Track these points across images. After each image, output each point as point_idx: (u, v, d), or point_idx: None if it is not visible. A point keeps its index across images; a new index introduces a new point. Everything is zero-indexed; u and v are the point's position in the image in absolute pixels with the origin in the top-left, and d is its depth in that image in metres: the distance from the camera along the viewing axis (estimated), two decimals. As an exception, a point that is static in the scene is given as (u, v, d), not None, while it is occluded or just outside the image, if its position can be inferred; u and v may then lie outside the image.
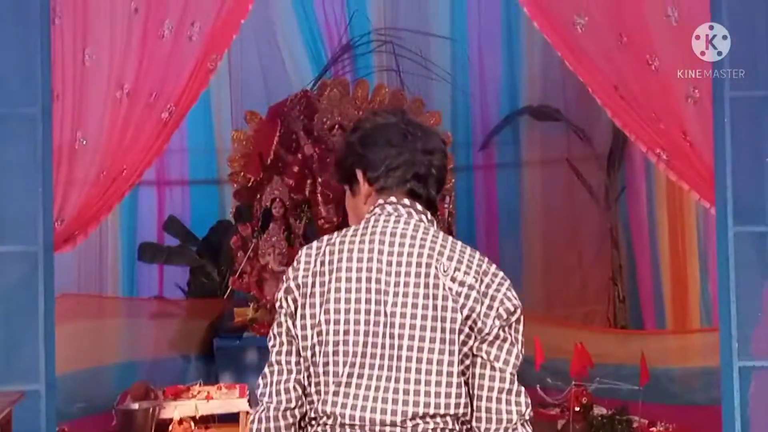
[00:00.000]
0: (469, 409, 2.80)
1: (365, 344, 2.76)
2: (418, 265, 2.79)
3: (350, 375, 2.75)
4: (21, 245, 5.90)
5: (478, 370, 2.79)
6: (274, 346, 2.89)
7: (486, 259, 2.88)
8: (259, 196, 9.76)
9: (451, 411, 2.75)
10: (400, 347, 2.74)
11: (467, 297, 2.77)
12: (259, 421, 2.85)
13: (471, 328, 2.77)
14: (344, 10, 10.84)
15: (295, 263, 2.89)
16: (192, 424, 7.94)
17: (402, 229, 2.86)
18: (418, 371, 2.73)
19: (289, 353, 2.84)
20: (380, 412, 2.72)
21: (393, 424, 2.72)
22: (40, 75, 5.92)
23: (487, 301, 2.79)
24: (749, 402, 5.96)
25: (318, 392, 2.79)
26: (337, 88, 10.16)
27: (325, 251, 2.84)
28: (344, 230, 2.92)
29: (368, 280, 2.78)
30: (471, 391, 2.80)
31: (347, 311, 2.77)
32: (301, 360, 2.82)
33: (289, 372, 2.83)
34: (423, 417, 2.73)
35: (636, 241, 10.10)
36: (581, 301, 10.30)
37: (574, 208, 10.73)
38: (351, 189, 3.07)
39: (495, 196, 10.69)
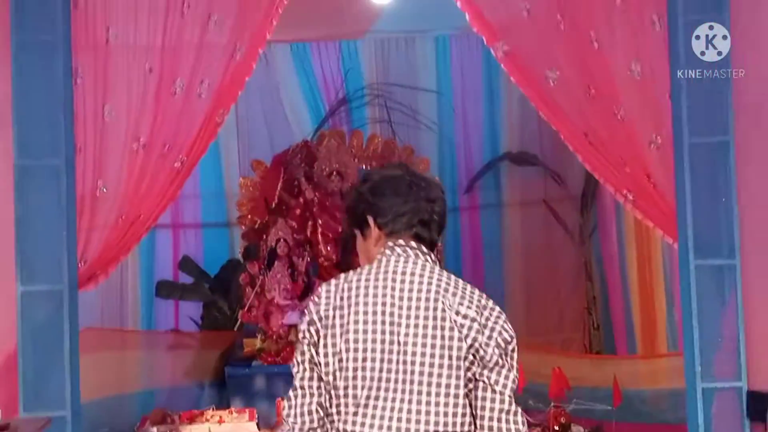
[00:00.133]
0: (473, 428, 2.89)
1: (381, 370, 2.85)
2: (427, 300, 2.90)
3: (368, 397, 2.84)
4: (48, 284, 5.91)
5: (480, 393, 2.88)
6: (298, 372, 2.97)
7: (484, 295, 2.99)
8: (265, 236, 9.71)
9: (458, 429, 2.85)
10: (412, 372, 2.84)
11: (470, 328, 2.87)
12: None
13: (474, 356, 2.87)
14: (340, 68, 10.80)
15: (316, 298, 2.99)
16: (205, 446, 7.94)
17: (411, 268, 2.97)
18: (429, 394, 2.83)
19: (311, 378, 2.93)
20: (395, 430, 2.82)
21: None
22: (64, 129, 5.96)
23: (487, 332, 2.89)
24: (713, 420, 5.97)
25: (339, 413, 2.88)
26: (334, 138, 10.15)
27: (343, 287, 2.94)
28: (359, 269, 3.01)
29: (383, 313, 2.88)
30: (474, 412, 2.89)
31: (365, 341, 2.87)
32: (323, 384, 2.92)
33: (311, 395, 2.92)
34: None
35: (608, 274, 10.04)
36: (559, 329, 10.25)
37: (552, 245, 10.68)
38: (362, 233, 3.17)
39: (479, 234, 10.65)
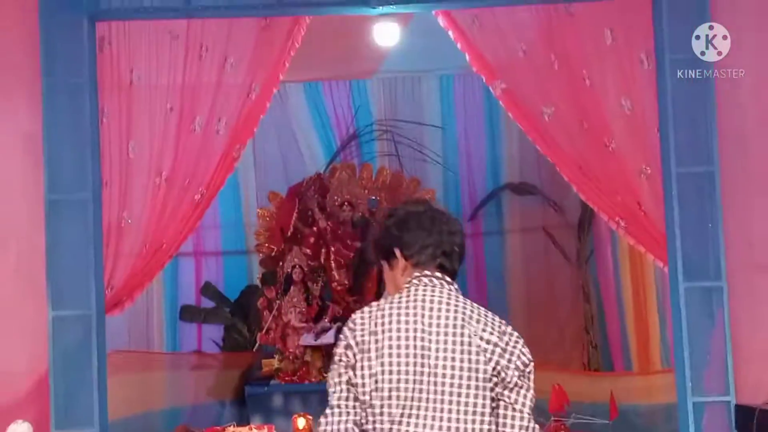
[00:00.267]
0: None
1: (413, 390, 2.91)
2: (454, 327, 2.96)
3: (402, 415, 2.90)
4: (77, 310, 5.92)
5: (501, 411, 2.96)
6: (335, 392, 3.01)
7: (503, 321, 3.05)
8: (281, 263, 9.73)
9: None
10: (442, 392, 2.91)
11: (493, 353, 2.95)
12: None
13: (496, 377, 2.94)
14: (350, 105, 10.86)
15: (351, 324, 3.04)
16: (227, 460, 7.91)
17: (438, 297, 3.03)
18: (458, 412, 2.90)
19: (347, 398, 2.97)
20: None
21: None
22: (91, 165, 5.99)
23: (507, 356, 2.96)
24: (703, 432, 5.95)
25: (374, 428, 2.93)
26: (345, 171, 10.18)
27: (377, 315, 3.00)
28: (390, 298, 3.07)
29: (414, 338, 2.94)
30: (498, 429, 2.96)
31: (398, 363, 2.93)
32: (358, 404, 2.95)
33: (348, 414, 2.96)
34: None
35: (604, 296, 10.00)
36: (559, 348, 10.19)
37: (551, 269, 10.66)
38: (389, 263, 3.21)
39: (483, 260, 10.64)
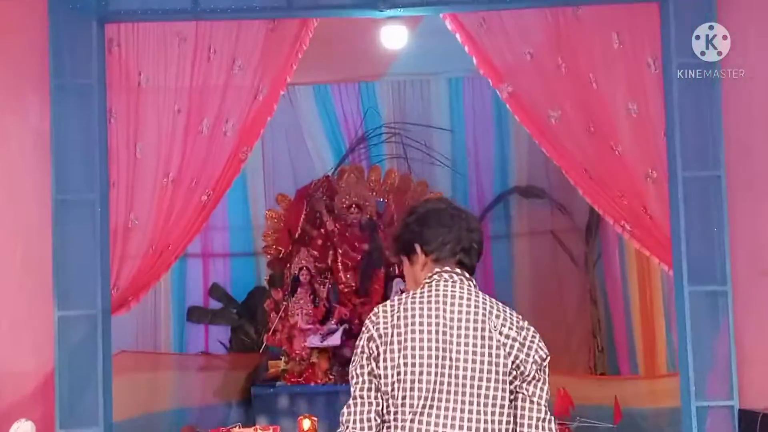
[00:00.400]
0: None
1: (435, 382, 2.95)
2: (475, 321, 3.00)
3: (423, 406, 2.94)
4: (83, 310, 5.96)
5: (520, 404, 3.01)
6: (357, 383, 3.03)
7: (520, 316, 3.09)
8: (288, 265, 9.76)
9: None
10: (463, 385, 2.95)
11: (512, 347, 2.99)
12: None
13: (515, 371, 2.99)
14: (359, 108, 10.85)
15: (374, 317, 3.06)
16: (233, 460, 7.93)
17: (459, 292, 3.06)
18: (478, 404, 2.95)
19: (370, 389, 3.00)
20: None
21: None
22: (98, 166, 6.04)
23: (525, 350, 3.00)
24: (707, 436, 5.96)
25: (396, 419, 2.97)
26: (354, 173, 10.19)
27: (399, 308, 3.03)
28: (412, 293, 3.11)
29: (436, 332, 2.98)
30: (516, 420, 3.02)
31: (421, 356, 2.96)
32: (380, 395, 2.99)
33: (370, 404, 2.99)
34: None
35: (611, 300, 9.99)
36: (566, 352, 10.16)
37: (558, 273, 10.65)
38: (409, 259, 3.25)
39: (490, 263, 10.60)
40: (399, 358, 2.97)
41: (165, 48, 6.36)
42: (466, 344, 2.99)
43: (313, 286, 9.58)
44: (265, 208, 10.42)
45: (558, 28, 6.49)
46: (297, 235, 9.94)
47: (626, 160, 6.31)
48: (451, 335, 2.99)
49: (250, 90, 6.49)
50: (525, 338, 3.02)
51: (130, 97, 6.27)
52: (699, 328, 5.99)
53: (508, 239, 10.90)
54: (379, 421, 3.00)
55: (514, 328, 3.03)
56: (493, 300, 3.12)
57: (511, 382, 3.00)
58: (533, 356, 3.01)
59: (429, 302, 3.05)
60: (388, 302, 3.13)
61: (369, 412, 3.00)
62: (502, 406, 2.98)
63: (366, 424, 2.99)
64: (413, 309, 3.03)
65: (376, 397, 3.00)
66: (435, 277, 3.13)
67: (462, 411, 2.95)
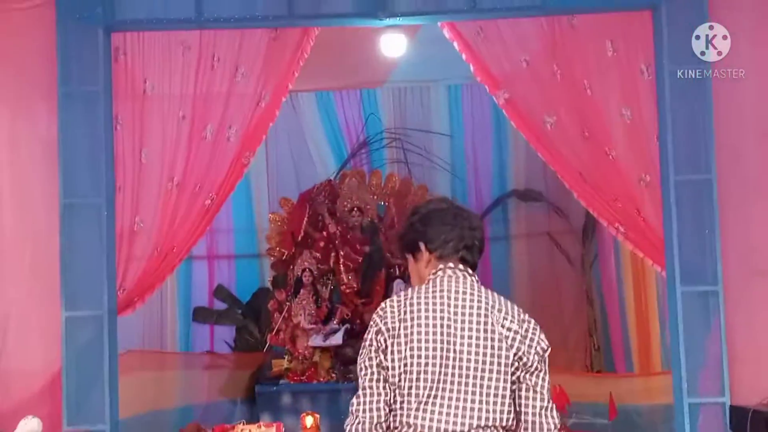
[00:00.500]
0: (514, 423, 3.10)
1: (440, 373, 3.03)
2: (478, 315, 3.08)
3: (428, 396, 3.03)
4: (90, 310, 5.97)
5: (524, 393, 3.11)
6: (366, 374, 3.11)
7: (522, 310, 3.18)
8: (291, 267, 9.77)
9: (503, 423, 3.07)
10: (467, 376, 3.04)
11: (514, 339, 3.07)
12: (357, 431, 3.08)
13: (517, 362, 3.08)
14: (361, 114, 10.87)
15: (381, 312, 3.15)
16: (237, 456, 7.93)
17: (462, 287, 3.14)
18: (480, 394, 3.04)
19: (378, 380, 3.08)
20: (451, 424, 3.01)
21: None
22: (105, 171, 6.05)
23: (527, 342, 3.09)
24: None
25: (402, 408, 3.05)
26: (355, 177, 10.20)
27: (405, 303, 3.12)
28: (417, 288, 3.19)
29: (441, 325, 3.06)
30: (518, 409, 3.11)
31: (426, 348, 3.04)
32: (388, 385, 3.07)
33: (379, 394, 3.07)
34: (482, 427, 3.03)
35: (607, 300, 9.99)
36: (563, 350, 10.13)
37: (555, 274, 10.65)
38: (414, 257, 3.33)
39: (489, 264, 10.56)
40: (405, 350, 3.05)
41: (170, 56, 6.37)
42: (470, 337, 3.06)
43: (316, 287, 9.59)
44: (269, 212, 10.46)
45: (553, 36, 6.50)
46: (300, 238, 9.95)
47: (620, 165, 6.31)
48: (455, 328, 3.06)
49: (253, 97, 6.50)
50: (527, 331, 3.10)
51: (136, 104, 6.28)
52: (691, 328, 5.98)
53: (507, 241, 10.91)
54: (387, 410, 3.08)
55: (516, 321, 3.11)
56: (495, 294, 3.19)
57: (513, 373, 3.08)
58: (535, 348, 3.09)
59: (434, 297, 3.12)
60: (395, 297, 3.20)
61: (378, 402, 3.07)
62: (503, 396, 3.05)
63: (375, 414, 3.07)
64: (419, 304, 3.10)
65: (384, 388, 3.07)
66: (439, 273, 3.20)
67: (465, 401, 3.03)
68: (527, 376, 3.10)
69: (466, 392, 3.04)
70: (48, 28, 6.07)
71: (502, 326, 3.08)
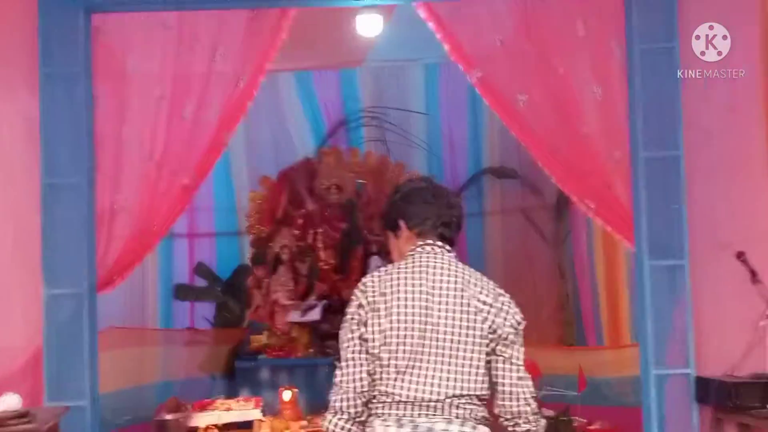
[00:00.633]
0: (488, 393, 3.20)
1: (418, 345, 3.14)
2: (455, 289, 3.18)
3: (407, 366, 3.13)
4: (70, 288, 5.95)
5: (500, 365, 3.21)
6: (348, 346, 3.21)
7: (496, 285, 3.29)
8: (270, 244, 9.78)
9: (477, 392, 3.17)
10: (443, 347, 3.14)
11: (489, 313, 3.18)
12: (341, 400, 3.19)
13: (492, 334, 3.18)
14: (339, 93, 10.91)
15: (362, 286, 3.25)
16: (216, 430, 7.95)
17: (440, 263, 3.25)
18: (456, 364, 3.14)
19: (361, 352, 3.18)
20: (428, 393, 3.12)
21: (437, 400, 3.13)
22: (85, 151, 6.03)
23: (502, 315, 3.19)
24: (665, 402, 6.00)
25: (381, 378, 3.15)
26: (333, 155, 10.24)
27: (385, 278, 3.23)
28: (397, 264, 3.30)
29: (419, 299, 3.17)
30: (495, 380, 3.21)
31: (405, 321, 3.15)
32: (369, 356, 3.16)
33: (361, 365, 3.17)
34: (458, 396, 3.14)
35: (579, 275, 10.03)
36: (536, 324, 10.05)
37: (529, 249, 10.68)
38: (394, 234, 3.44)
39: (464, 240, 10.57)
40: (385, 323, 3.15)
41: (149, 37, 6.33)
42: (447, 310, 3.16)
43: (294, 264, 9.61)
44: (249, 190, 10.45)
45: (526, 16, 6.48)
46: (279, 216, 9.97)
47: (590, 142, 6.32)
48: (433, 302, 3.17)
49: (232, 77, 6.46)
50: (502, 304, 3.21)
51: (116, 84, 6.24)
52: (658, 301, 6.02)
53: (482, 217, 10.94)
54: (370, 379, 3.17)
55: (491, 295, 3.21)
56: (471, 270, 3.29)
57: (488, 345, 3.17)
58: (510, 321, 3.20)
59: (413, 272, 3.22)
60: (375, 273, 3.30)
61: (360, 372, 3.17)
62: (478, 367, 3.15)
63: (359, 383, 3.16)
64: (398, 279, 3.21)
65: (366, 359, 3.17)
66: (418, 249, 3.30)
67: (441, 371, 3.12)
68: (503, 348, 3.19)
69: (442, 363, 3.13)
70: (29, 10, 6.02)
71: (478, 300, 3.18)
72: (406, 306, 3.16)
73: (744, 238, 6.07)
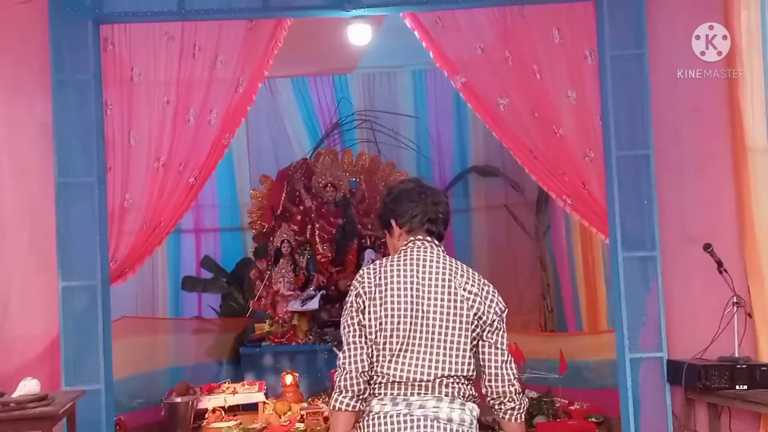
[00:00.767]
0: (474, 374, 3.29)
1: (409, 330, 3.23)
2: (443, 280, 3.28)
3: (400, 350, 3.23)
4: (84, 280, 5.95)
5: (486, 349, 3.31)
6: (349, 332, 3.29)
7: (481, 276, 3.37)
8: (271, 238, 9.76)
9: (464, 373, 3.26)
10: (432, 333, 3.24)
11: (474, 301, 3.27)
12: (344, 380, 3.26)
13: (477, 321, 3.27)
14: (333, 97, 10.88)
15: (359, 278, 3.34)
16: (222, 412, 7.95)
17: (429, 256, 3.34)
18: (444, 348, 3.24)
19: (360, 336, 3.27)
20: (419, 374, 3.22)
21: (427, 381, 3.23)
22: (96, 152, 6.02)
23: (487, 303, 3.28)
24: (639, 384, 6.00)
25: (377, 361, 3.26)
26: (329, 156, 10.21)
27: (380, 270, 3.32)
28: (391, 257, 3.38)
29: (411, 289, 3.26)
30: (482, 363, 3.32)
31: (398, 309, 3.24)
32: (367, 341, 3.25)
33: (362, 348, 3.26)
34: (447, 377, 3.24)
35: (559, 266, 10.02)
36: (519, 312, 10.18)
37: (512, 242, 10.69)
38: (389, 232, 3.53)
39: (451, 234, 10.60)
40: (380, 311, 3.24)
41: (154, 46, 6.33)
42: (435, 299, 3.25)
43: (294, 256, 9.59)
44: (250, 188, 10.46)
45: (505, 25, 6.50)
46: (279, 212, 9.97)
47: (567, 142, 6.33)
48: (423, 292, 3.26)
49: (232, 83, 6.48)
50: (487, 293, 3.30)
51: (124, 90, 6.25)
52: (632, 290, 6.03)
53: (467, 213, 10.95)
54: (369, 361, 3.26)
55: (477, 285, 3.30)
56: (459, 262, 3.37)
57: (474, 331, 3.26)
58: (494, 308, 3.29)
59: (405, 265, 3.31)
60: (371, 265, 3.39)
61: (360, 354, 3.25)
62: (464, 350, 3.24)
63: (360, 365, 3.25)
64: (391, 271, 3.30)
65: (364, 342, 3.26)
66: (409, 245, 3.39)
67: (431, 354, 3.22)
68: (488, 334, 3.29)
69: (432, 346, 3.22)
70: (41, 21, 6.03)
71: (464, 289, 3.26)
72: (398, 295, 3.24)
73: (711, 230, 6.09)
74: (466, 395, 3.29)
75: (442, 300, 3.25)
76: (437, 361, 3.23)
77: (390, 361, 3.23)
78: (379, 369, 3.25)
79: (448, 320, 3.24)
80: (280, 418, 7.87)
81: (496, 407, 3.36)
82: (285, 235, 9.59)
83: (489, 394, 3.35)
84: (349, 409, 3.26)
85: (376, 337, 3.24)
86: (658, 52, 6.11)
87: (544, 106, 6.37)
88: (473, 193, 10.95)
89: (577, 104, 6.29)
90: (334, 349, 8.60)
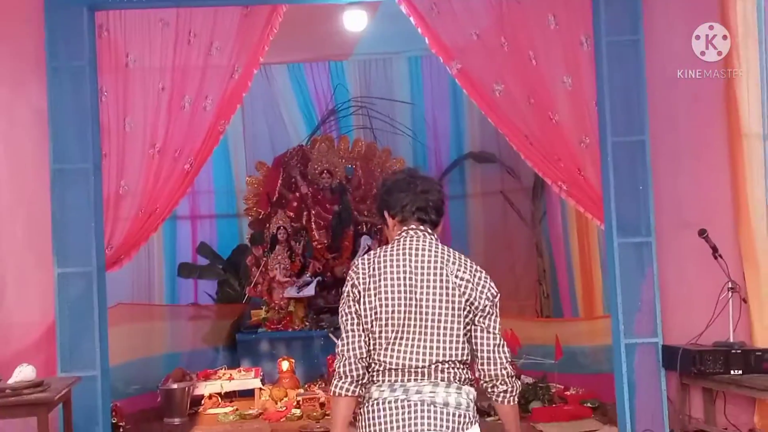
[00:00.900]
0: (469, 358, 3.35)
1: (403, 318, 3.28)
2: (435, 268, 3.32)
3: (395, 338, 3.29)
4: (80, 267, 5.96)
5: (479, 334, 3.35)
6: (347, 320, 3.35)
7: (473, 263, 3.39)
8: (267, 225, 9.77)
9: (459, 358, 3.31)
10: (426, 320, 3.28)
11: (466, 287, 3.31)
12: (343, 365, 3.31)
13: (470, 307, 3.31)
14: (329, 84, 10.86)
15: (355, 268, 3.39)
16: (219, 398, 7.98)
17: (422, 245, 3.38)
18: (438, 334, 3.29)
19: (357, 324, 3.32)
20: (414, 360, 3.28)
21: (423, 366, 3.28)
22: (92, 139, 6.02)
23: (479, 289, 3.32)
24: (635, 369, 6.02)
25: (374, 348, 3.32)
26: (325, 142, 10.21)
27: (374, 260, 3.36)
28: (385, 247, 3.43)
29: (404, 278, 3.31)
30: (475, 347, 3.35)
31: (392, 298, 3.29)
32: (363, 329, 3.31)
33: (359, 336, 3.32)
34: (442, 362, 3.29)
35: (555, 252, 10.03)
36: (515, 298, 10.20)
37: (508, 228, 10.69)
38: (385, 223, 3.58)
39: (447, 220, 10.62)
40: (375, 300, 3.29)
41: (149, 32, 6.33)
42: (428, 287, 3.30)
43: (290, 243, 9.59)
44: (246, 175, 10.44)
45: (501, 10, 6.49)
46: (275, 198, 9.97)
47: (562, 128, 6.33)
48: (416, 280, 3.30)
49: (227, 69, 6.47)
50: (479, 279, 3.34)
51: (119, 77, 6.24)
52: (627, 276, 6.05)
53: (464, 199, 10.95)
54: (366, 348, 3.31)
55: (468, 272, 3.33)
56: (451, 249, 3.40)
57: (467, 316, 3.31)
58: (486, 294, 3.33)
59: (397, 255, 3.35)
60: (366, 256, 3.44)
61: (358, 341, 3.31)
62: (458, 336, 3.29)
63: (357, 351, 3.30)
64: (385, 260, 3.34)
65: (362, 330, 3.31)
66: (403, 234, 3.43)
67: (425, 340, 3.27)
68: (480, 319, 3.32)
69: (426, 333, 3.28)
70: (37, 8, 6.02)
71: (456, 276, 3.30)
72: (392, 284, 3.29)
73: (706, 216, 6.11)
74: (462, 379, 3.34)
75: (435, 287, 3.29)
76: (432, 348, 3.27)
77: (386, 349, 3.29)
78: (376, 357, 3.31)
79: (441, 307, 3.28)
80: (277, 404, 7.89)
81: (489, 390, 3.40)
82: (281, 222, 9.59)
83: (482, 378, 3.39)
84: (349, 394, 3.30)
85: (372, 326, 3.29)
86: (654, 39, 6.12)
87: (540, 92, 6.36)
88: (469, 179, 10.95)
89: (572, 90, 6.28)
90: (330, 335, 8.62)
